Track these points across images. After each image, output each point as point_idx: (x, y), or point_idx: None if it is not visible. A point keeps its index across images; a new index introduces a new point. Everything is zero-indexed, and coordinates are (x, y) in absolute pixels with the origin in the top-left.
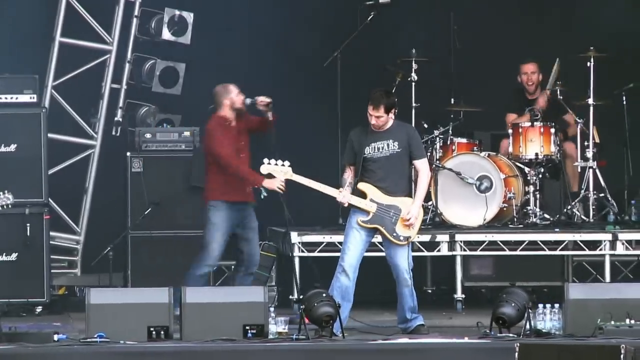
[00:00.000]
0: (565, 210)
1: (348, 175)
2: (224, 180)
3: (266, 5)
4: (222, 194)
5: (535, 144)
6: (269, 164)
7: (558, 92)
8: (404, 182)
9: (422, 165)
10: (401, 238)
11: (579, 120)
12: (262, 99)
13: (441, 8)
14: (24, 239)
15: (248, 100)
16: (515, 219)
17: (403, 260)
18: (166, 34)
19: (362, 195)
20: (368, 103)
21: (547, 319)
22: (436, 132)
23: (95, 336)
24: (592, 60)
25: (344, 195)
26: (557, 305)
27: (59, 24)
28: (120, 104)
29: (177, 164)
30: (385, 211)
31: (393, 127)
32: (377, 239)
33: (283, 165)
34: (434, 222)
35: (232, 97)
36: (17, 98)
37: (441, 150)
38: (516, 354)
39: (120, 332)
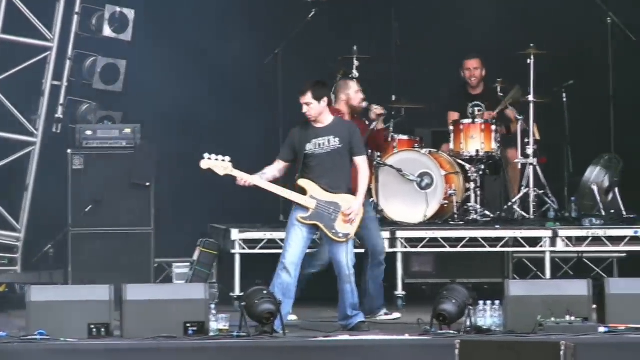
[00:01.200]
0: (505, 207)
1: (272, 167)
2: None
3: (208, 2)
4: None
5: (476, 141)
6: (209, 159)
7: (498, 89)
8: (345, 179)
9: (361, 163)
10: (340, 235)
11: (519, 117)
12: (377, 108)
13: (382, 5)
14: None
15: (365, 103)
16: (456, 216)
17: (344, 257)
18: (107, 31)
19: (303, 191)
20: (300, 91)
21: (487, 316)
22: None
23: (36, 333)
24: (532, 57)
25: (246, 176)
26: (497, 302)
27: None
28: (61, 101)
29: (119, 161)
30: (325, 208)
31: (334, 124)
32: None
33: (223, 160)
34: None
35: (350, 93)
36: None
37: None
38: (456, 350)
39: (61, 330)
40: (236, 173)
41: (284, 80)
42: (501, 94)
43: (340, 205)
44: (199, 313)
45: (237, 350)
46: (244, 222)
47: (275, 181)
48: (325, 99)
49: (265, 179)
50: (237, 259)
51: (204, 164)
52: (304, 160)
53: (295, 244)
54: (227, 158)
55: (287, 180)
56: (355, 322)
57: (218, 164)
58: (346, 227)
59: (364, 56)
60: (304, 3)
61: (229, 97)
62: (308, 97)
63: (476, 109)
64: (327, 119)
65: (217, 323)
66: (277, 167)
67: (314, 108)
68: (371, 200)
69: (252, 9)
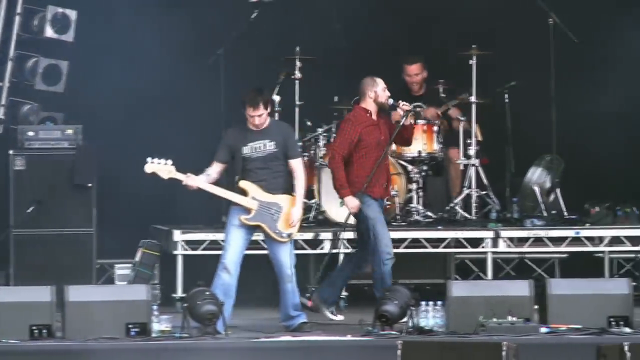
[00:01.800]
0: (447, 207)
1: (210, 168)
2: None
3: (150, 2)
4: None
5: (418, 142)
6: (152, 162)
7: (440, 90)
8: (283, 180)
9: (297, 165)
10: (283, 235)
11: (461, 119)
12: (404, 104)
13: (325, 6)
14: None
15: (391, 100)
16: (399, 217)
17: (285, 257)
18: (49, 32)
19: (244, 193)
20: (246, 106)
21: (429, 316)
22: (320, 130)
23: None
24: (474, 58)
25: (190, 178)
26: (439, 303)
27: None
28: (3, 102)
29: (61, 162)
30: (266, 208)
31: (270, 126)
32: (260, 236)
33: (166, 164)
34: (317, 220)
35: (377, 90)
36: None
37: (324, 148)
38: (399, 351)
39: (2, 331)
40: (179, 176)
41: (226, 81)
42: (443, 95)
43: (281, 205)
44: (141, 314)
45: (179, 351)
46: (186, 223)
47: (214, 182)
48: (270, 104)
49: (208, 180)
50: (180, 260)
51: (148, 167)
52: (243, 163)
53: (235, 244)
54: (170, 161)
55: (225, 181)
56: (297, 323)
57: (161, 167)
58: (288, 228)
59: (307, 57)
60: (247, 3)
61: (171, 97)
62: (261, 109)
63: (418, 108)
64: (266, 121)
65: (160, 324)
66: (215, 169)
67: (264, 116)
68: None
69: (195, 9)
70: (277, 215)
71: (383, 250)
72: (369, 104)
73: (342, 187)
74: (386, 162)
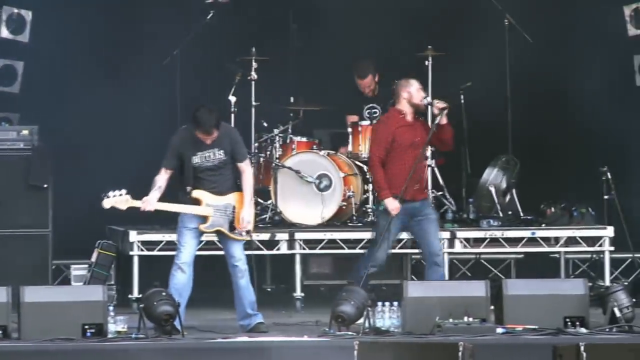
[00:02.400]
0: None
1: (160, 178)
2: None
3: (106, 3)
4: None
5: None
6: (108, 197)
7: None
8: (232, 181)
9: (245, 167)
10: (242, 233)
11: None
12: (438, 102)
13: (280, 7)
14: None
15: (426, 100)
16: (355, 217)
17: (240, 252)
18: (4, 32)
19: (197, 202)
20: (198, 131)
21: (386, 317)
22: (276, 131)
23: None
24: (430, 59)
25: (145, 203)
26: (395, 303)
27: None
28: None
29: (16, 163)
30: (222, 211)
31: (217, 136)
32: (211, 237)
33: (121, 194)
34: (274, 220)
35: (411, 91)
36: None
37: (281, 149)
38: (355, 352)
39: None
40: (136, 204)
41: (182, 82)
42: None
43: (233, 204)
44: (97, 315)
45: (135, 351)
46: (142, 224)
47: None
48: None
49: (160, 192)
50: (136, 260)
51: (106, 203)
52: (193, 172)
53: (188, 244)
54: (124, 191)
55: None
56: (254, 323)
57: (118, 199)
58: (244, 226)
59: (262, 58)
60: (202, 4)
61: (126, 97)
62: (214, 134)
63: (372, 110)
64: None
65: (116, 325)
66: (164, 177)
67: (210, 137)
68: (431, 201)
69: (151, 9)
70: (232, 215)
71: (377, 257)
72: (403, 105)
73: (381, 188)
74: (421, 163)
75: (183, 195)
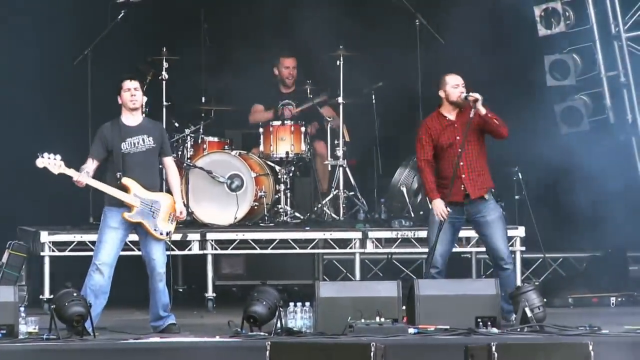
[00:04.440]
0: (315, 208)
1: (87, 166)
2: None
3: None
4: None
5: (286, 143)
6: (42, 157)
7: (308, 90)
8: (157, 178)
9: (171, 162)
10: (163, 233)
11: (329, 119)
12: (472, 95)
13: (192, 7)
14: None
15: (463, 95)
16: (266, 218)
17: (160, 255)
18: None
19: (126, 189)
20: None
21: (298, 317)
22: (187, 131)
23: None
24: (341, 58)
25: (81, 175)
26: (307, 304)
27: None
28: None
29: None
30: (148, 206)
31: (145, 123)
32: (133, 237)
33: (55, 159)
34: (185, 221)
35: (446, 89)
36: None
37: (192, 149)
38: (267, 352)
39: None
40: (70, 172)
41: (93, 81)
42: (310, 96)
43: (160, 203)
44: (8, 316)
45: (46, 353)
46: (53, 224)
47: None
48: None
49: (89, 176)
50: (47, 261)
51: (39, 162)
52: (122, 159)
53: (109, 245)
54: (58, 157)
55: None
56: (166, 324)
57: (52, 162)
58: (167, 225)
59: (173, 57)
60: (113, 4)
61: (40, 97)
62: (137, 83)
63: (287, 106)
64: (139, 117)
65: (27, 326)
66: (91, 166)
67: (140, 95)
68: (499, 201)
69: (63, 9)
70: (157, 213)
71: (435, 260)
72: (444, 105)
73: (430, 191)
74: (462, 162)
75: (112, 182)
